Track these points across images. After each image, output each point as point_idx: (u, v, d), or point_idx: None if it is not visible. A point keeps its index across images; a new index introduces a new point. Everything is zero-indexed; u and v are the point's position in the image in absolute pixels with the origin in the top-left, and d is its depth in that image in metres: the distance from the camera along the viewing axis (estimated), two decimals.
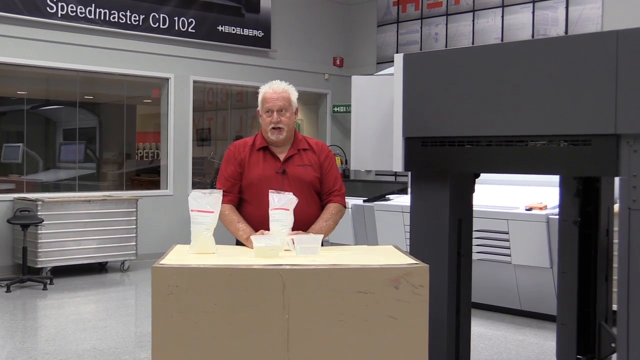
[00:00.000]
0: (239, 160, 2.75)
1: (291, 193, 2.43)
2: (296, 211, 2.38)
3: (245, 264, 2.15)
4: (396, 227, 5.52)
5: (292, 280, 2.07)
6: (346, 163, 8.72)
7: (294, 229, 2.44)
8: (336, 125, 9.43)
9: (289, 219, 2.39)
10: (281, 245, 2.31)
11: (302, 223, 2.56)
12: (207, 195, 2.37)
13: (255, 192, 2.48)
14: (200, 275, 2.08)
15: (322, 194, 2.81)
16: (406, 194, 6.01)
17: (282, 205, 2.38)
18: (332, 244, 4.14)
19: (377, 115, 2.96)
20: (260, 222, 2.51)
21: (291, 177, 2.72)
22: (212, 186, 8.22)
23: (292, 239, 2.32)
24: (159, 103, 8.05)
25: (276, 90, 2.72)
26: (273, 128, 2.70)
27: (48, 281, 6.03)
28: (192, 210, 2.36)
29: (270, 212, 2.39)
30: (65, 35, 6.88)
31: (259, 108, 2.76)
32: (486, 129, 2.58)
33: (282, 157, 2.75)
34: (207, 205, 2.36)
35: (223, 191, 2.60)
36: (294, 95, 2.75)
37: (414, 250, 2.82)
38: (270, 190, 2.45)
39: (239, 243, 2.81)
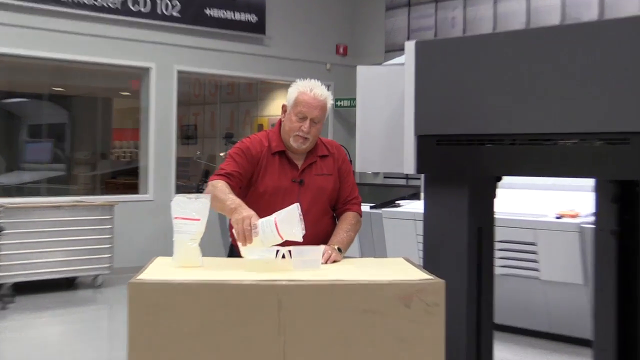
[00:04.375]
0: (257, 160, 2.74)
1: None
2: (309, 225, 2.38)
3: (236, 279, 2.16)
4: (407, 237, 5.53)
5: (289, 297, 2.08)
6: (350, 164, 8.76)
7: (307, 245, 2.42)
8: (339, 122, 9.45)
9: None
10: (277, 258, 2.33)
11: (318, 238, 2.59)
12: (192, 201, 2.37)
13: (266, 204, 2.49)
14: (184, 292, 2.08)
15: (338, 203, 2.85)
16: (419, 199, 6.02)
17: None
18: None
19: (385, 110, 2.98)
20: None
21: (309, 188, 2.75)
22: (199, 190, 8.25)
23: (289, 251, 2.33)
24: (138, 96, 8.07)
25: (317, 96, 2.71)
26: (299, 136, 2.72)
27: (9, 299, 6.03)
28: (175, 218, 2.37)
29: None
30: (31, 19, 6.90)
31: (287, 104, 2.76)
32: (510, 126, 2.60)
33: (299, 164, 2.78)
34: (192, 212, 2.36)
35: (225, 173, 2.62)
36: (329, 103, 2.77)
37: (428, 264, 2.84)
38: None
39: (230, 255, 2.85)
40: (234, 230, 2.37)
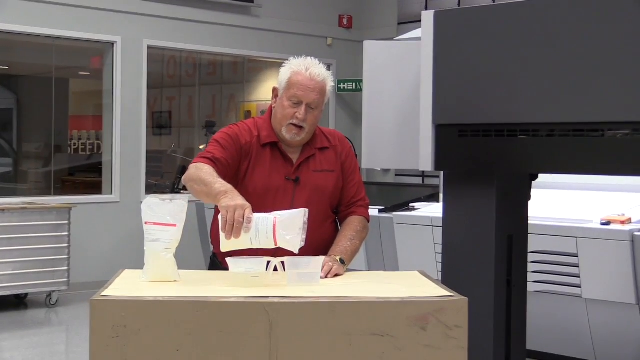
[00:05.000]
0: (246, 151, 2.75)
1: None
2: (306, 232, 2.40)
3: (219, 295, 2.17)
4: (423, 246, 5.54)
5: (282, 317, 2.09)
6: (356, 159, 8.79)
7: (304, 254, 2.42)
8: (342, 108, 9.48)
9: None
10: (269, 271, 2.35)
11: (316, 248, 2.59)
12: (166, 203, 2.38)
13: (254, 206, 2.45)
14: (157, 310, 2.09)
15: (341, 205, 2.87)
16: (437, 201, 6.03)
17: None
18: None
19: (397, 94, 2.98)
20: (257, 250, 2.46)
21: (306, 187, 2.76)
22: (174, 190, 8.26)
23: (282, 262, 2.35)
24: (100, 76, 8.09)
25: (314, 77, 2.71)
26: (293, 125, 2.72)
27: None
28: (146, 223, 2.38)
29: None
30: None
31: (278, 87, 2.77)
32: (547, 114, 2.60)
33: (294, 158, 2.79)
34: (167, 217, 2.37)
35: (212, 157, 2.63)
36: (329, 85, 2.76)
37: (448, 278, 2.86)
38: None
39: (212, 267, 2.85)
40: (219, 217, 2.37)
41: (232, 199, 2.39)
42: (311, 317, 2.10)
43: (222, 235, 2.35)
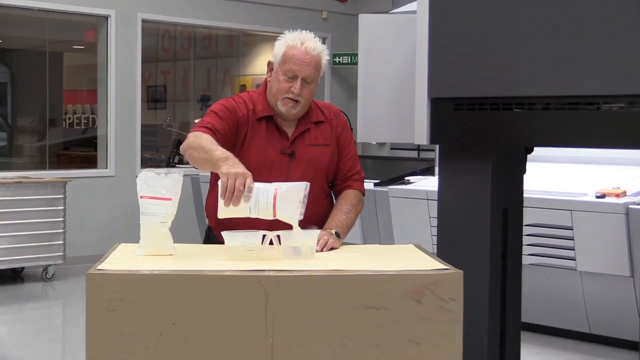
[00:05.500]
0: (242, 124, 2.76)
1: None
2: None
3: (214, 269, 2.17)
4: (419, 219, 5.57)
5: (277, 291, 2.09)
6: (352, 132, 8.80)
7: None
8: (337, 82, 9.46)
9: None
10: (264, 244, 2.34)
11: (313, 222, 2.60)
12: (162, 177, 2.38)
13: None
14: (153, 284, 2.09)
15: (336, 179, 2.88)
16: (432, 174, 6.05)
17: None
18: None
19: (393, 68, 2.98)
20: (254, 222, 2.46)
21: (301, 161, 2.78)
22: (170, 164, 8.26)
23: (278, 236, 2.35)
24: (94, 50, 8.04)
25: (310, 50, 2.71)
26: (288, 99, 2.73)
27: None
28: (141, 197, 2.38)
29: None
30: None
31: (273, 61, 2.77)
32: (543, 87, 2.60)
33: (290, 132, 2.80)
34: (162, 191, 2.37)
35: (211, 127, 2.64)
36: (324, 59, 2.77)
37: (443, 251, 2.85)
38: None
39: (207, 240, 2.86)
40: (219, 182, 2.36)
41: (233, 165, 2.39)
42: (307, 291, 2.10)
43: (220, 201, 2.35)
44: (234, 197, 2.32)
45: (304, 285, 2.11)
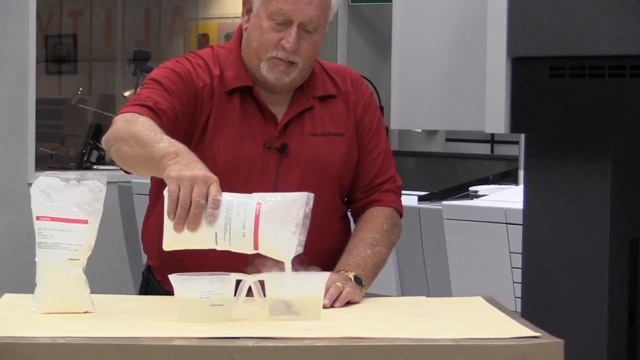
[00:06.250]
0: (202, 97, 2.67)
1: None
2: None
3: (157, 335, 2.08)
4: (491, 255, 5.32)
5: None
6: (381, 113, 8.54)
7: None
8: (358, 31, 9.13)
9: None
10: (239, 295, 2.25)
11: (317, 258, 2.48)
12: (72, 186, 2.29)
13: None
14: (59, 356, 1.99)
15: (356, 189, 2.84)
16: (515, 183, 5.81)
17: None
18: None
19: (448, 10, 2.89)
20: (223, 257, 2.36)
21: (297, 159, 2.71)
22: (84, 165, 7.99)
23: (261, 282, 2.26)
24: None
25: None
26: (277, 58, 2.66)
27: None
28: (38, 219, 2.29)
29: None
30: None
31: (251, 4, 2.73)
32: None
33: (279, 113, 2.75)
34: (72, 208, 2.28)
35: (152, 105, 2.55)
36: None
37: (532, 308, 2.78)
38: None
39: (145, 289, 2.80)
40: (165, 193, 2.27)
41: (187, 165, 2.28)
42: None
43: (167, 223, 2.26)
44: (189, 216, 2.21)
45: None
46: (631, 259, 2.77)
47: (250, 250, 2.27)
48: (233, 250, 2.27)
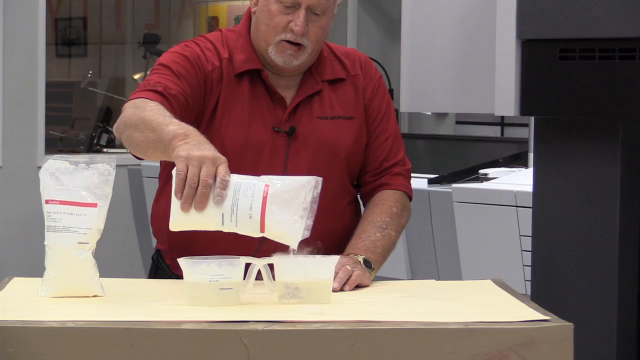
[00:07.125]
0: (211, 82, 2.70)
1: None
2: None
3: (167, 319, 2.10)
4: (501, 238, 5.33)
5: (268, 353, 2.02)
6: (390, 96, 8.56)
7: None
8: (368, 14, 9.12)
9: None
10: (249, 279, 2.27)
11: (326, 242, 2.53)
12: (81, 170, 2.30)
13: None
14: (67, 343, 2.01)
15: (366, 173, 2.87)
16: (525, 166, 5.81)
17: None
18: None
19: None
20: (233, 241, 2.39)
21: (306, 143, 2.74)
22: (94, 148, 7.99)
23: (269, 265, 2.28)
24: None
25: None
26: (287, 42, 2.68)
27: None
28: (47, 202, 2.30)
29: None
30: None
31: None
32: None
33: (288, 96, 2.77)
34: (81, 191, 2.29)
35: (162, 90, 2.57)
36: None
37: (541, 291, 2.77)
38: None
39: (154, 273, 2.82)
40: (173, 173, 2.29)
41: (196, 145, 2.30)
42: (315, 354, 2.03)
43: (174, 203, 2.27)
44: (197, 195, 2.23)
45: (312, 345, 2.03)
46: None
47: (256, 233, 2.29)
48: (239, 232, 2.29)
